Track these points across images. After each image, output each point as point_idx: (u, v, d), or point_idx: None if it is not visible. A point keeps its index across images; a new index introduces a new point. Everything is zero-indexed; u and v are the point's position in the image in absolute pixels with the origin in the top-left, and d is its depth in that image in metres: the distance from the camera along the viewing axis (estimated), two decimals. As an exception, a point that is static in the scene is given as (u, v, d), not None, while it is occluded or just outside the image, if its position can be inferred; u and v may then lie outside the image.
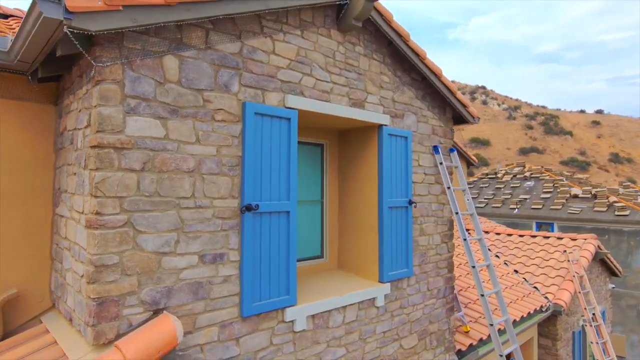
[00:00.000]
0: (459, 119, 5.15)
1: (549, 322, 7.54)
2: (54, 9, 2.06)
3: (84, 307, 2.40)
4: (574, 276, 7.64)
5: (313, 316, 3.42)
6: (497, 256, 9.19)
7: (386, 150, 4.10)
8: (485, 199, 19.93)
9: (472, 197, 20.26)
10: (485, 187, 21.22)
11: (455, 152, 4.97)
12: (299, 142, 4.39)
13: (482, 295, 4.35)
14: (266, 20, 3.17)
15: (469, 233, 10.27)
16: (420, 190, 4.55)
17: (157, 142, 2.57)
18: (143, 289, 2.49)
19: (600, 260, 9.66)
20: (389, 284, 4.07)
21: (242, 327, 2.95)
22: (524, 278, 8.17)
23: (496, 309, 6.53)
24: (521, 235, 9.88)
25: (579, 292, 7.52)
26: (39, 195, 3.19)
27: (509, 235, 10.08)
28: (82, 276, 2.45)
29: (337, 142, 4.65)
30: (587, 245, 8.65)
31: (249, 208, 2.95)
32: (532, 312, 6.78)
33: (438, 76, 4.51)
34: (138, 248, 2.48)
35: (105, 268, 2.35)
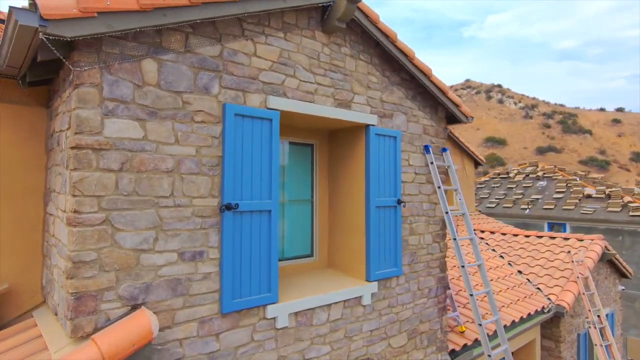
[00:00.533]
0: (453, 118, 5.14)
1: (552, 323, 7.43)
2: (29, 17, 2.16)
3: (64, 301, 2.51)
4: (577, 277, 7.51)
5: (296, 313, 3.47)
6: (501, 256, 9.10)
7: (373, 150, 4.13)
8: (496, 199, 19.68)
9: (483, 197, 20.07)
10: (497, 187, 20.95)
11: (448, 152, 4.96)
12: (290, 143, 4.46)
13: (471, 295, 4.34)
14: (247, 23, 3.24)
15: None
16: (410, 190, 4.56)
17: (136, 143, 2.66)
18: (121, 285, 2.58)
19: (609, 262, 9.47)
20: (376, 282, 4.10)
21: (222, 323, 3.02)
22: (527, 279, 8.07)
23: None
24: (527, 236, 9.75)
25: (583, 294, 7.39)
26: (31, 195, 3.33)
27: (515, 235, 9.96)
28: (63, 272, 2.56)
29: (327, 142, 4.70)
30: (593, 246, 8.49)
31: (228, 207, 3.02)
32: (532, 313, 6.70)
33: (428, 76, 4.51)
34: (116, 245, 2.57)
35: (84, 264, 2.45)
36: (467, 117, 5.05)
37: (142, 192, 2.68)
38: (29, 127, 3.32)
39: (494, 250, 9.46)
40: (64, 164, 2.67)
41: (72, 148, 2.45)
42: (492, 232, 10.41)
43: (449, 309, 5.81)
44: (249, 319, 3.17)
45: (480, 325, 4.29)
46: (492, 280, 7.66)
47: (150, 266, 2.70)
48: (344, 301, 3.84)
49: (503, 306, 6.69)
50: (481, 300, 6.53)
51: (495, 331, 5.59)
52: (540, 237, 9.57)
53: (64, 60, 2.40)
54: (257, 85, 3.28)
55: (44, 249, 3.32)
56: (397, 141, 4.36)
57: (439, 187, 4.65)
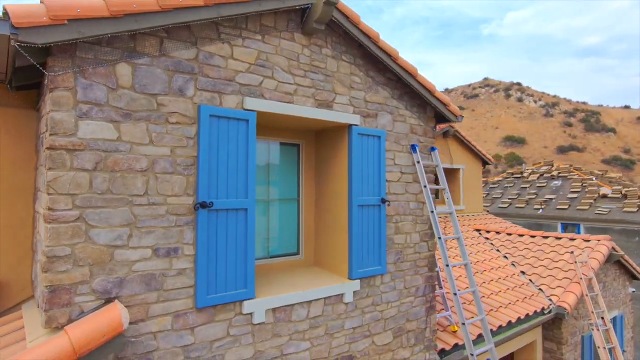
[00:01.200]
0: (444, 117, 5.13)
1: (553, 325, 7.32)
2: (1, 26, 2.30)
3: (41, 294, 2.64)
4: (581, 278, 7.38)
5: (274, 309, 3.55)
6: (505, 257, 9.00)
7: (356, 149, 4.18)
8: (509, 198, 19.39)
9: (496, 197, 19.78)
10: (510, 186, 20.64)
11: (437, 151, 4.97)
12: (276, 143, 4.54)
13: (455, 293, 4.34)
14: (224, 26, 3.33)
15: (479, 233, 10.09)
16: (396, 189, 4.59)
17: (110, 144, 2.78)
18: (95, 279, 2.71)
19: (618, 263, 9.25)
20: (358, 280, 4.14)
21: (197, 317, 3.12)
22: (530, 279, 7.97)
23: (492, 309, 6.44)
24: (532, 236, 9.61)
25: (586, 295, 7.25)
26: (22, 193, 3.50)
27: (520, 235, 9.82)
28: (40, 266, 2.70)
29: (313, 143, 4.76)
30: (599, 246, 8.31)
31: (203, 205, 3.12)
32: (531, 314, 6.62)
33: (413, 75, 4.53)
34: (90, 241, 2.69)
35: (57, 259, 2.58)
36: (456, 116, 5.04)
37: (116, 191, 2.80)
38: (19, 129, 3.49)
39: (498, 250, 9.36)
40: (44, 163, 2.82)
41: (47, 149, 2.58)
42: (498, 232, 10.29)
43: (442, 309, 5.80)
44: (224, 314, 3.26)
45: (464, 324, 4.29)
46: (492, 280, 7.59)
47: (124, 261, 2.82)
48: (325, 298, 3.90)
49: (501, 306, 6.63)
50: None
51: (492, 331, 5.56)
52: (546, 237, 9.43)
53: (38, 66, 2.53)
54: (233, 87, 3.37)
55: (33, 244, 3.48)
56: (382, 141, 4.39)
57: (424, 187, 4.66)
